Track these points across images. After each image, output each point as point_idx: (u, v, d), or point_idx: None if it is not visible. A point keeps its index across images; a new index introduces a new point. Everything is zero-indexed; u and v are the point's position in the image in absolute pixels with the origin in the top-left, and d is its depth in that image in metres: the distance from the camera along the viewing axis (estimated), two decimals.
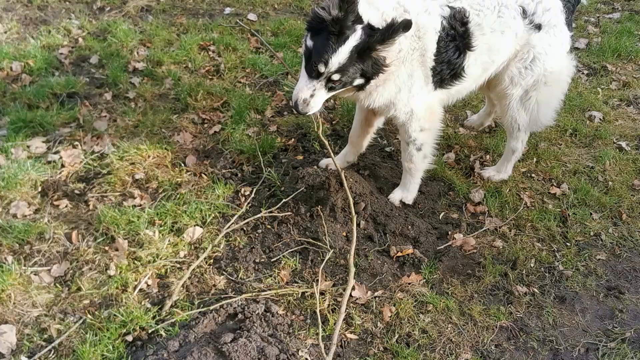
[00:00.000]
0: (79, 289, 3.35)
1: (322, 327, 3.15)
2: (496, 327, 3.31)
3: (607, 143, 4.72)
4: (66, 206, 3.89)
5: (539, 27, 3.64)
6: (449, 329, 3.27)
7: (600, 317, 3.44)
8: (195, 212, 3.82)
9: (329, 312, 3.29)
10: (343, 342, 3.17)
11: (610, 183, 4.32)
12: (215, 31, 5.93)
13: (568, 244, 3.85)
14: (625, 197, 4.21)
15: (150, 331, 3.13)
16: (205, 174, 4.19)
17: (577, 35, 6.30)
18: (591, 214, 4.08)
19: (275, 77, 5.35)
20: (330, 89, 3.25)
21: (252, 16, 6.33)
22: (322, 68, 3.12)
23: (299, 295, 3.40)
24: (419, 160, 3.83)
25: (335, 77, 3.17)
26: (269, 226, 3.81)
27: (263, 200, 3.96)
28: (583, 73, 5.64)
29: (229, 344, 3.02)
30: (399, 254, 3.65)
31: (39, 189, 3.97)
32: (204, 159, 4.37)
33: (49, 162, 4.18)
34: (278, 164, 4.30)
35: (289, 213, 3.82)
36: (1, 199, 3.84)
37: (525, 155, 4.50)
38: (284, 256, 3.59)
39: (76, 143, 4.38)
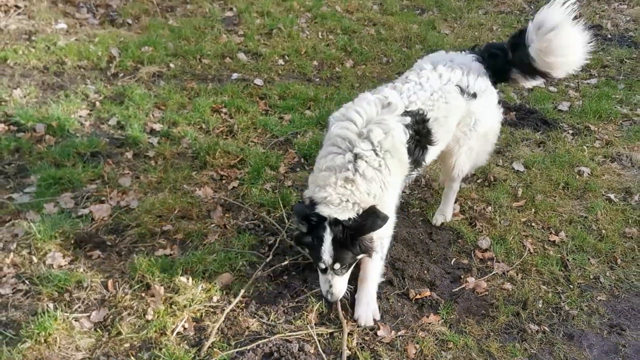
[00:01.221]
0: (119, 333, 3.59)
1: None
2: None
3: (597, 195, 5.21)
4: (99, 257, 4.17)
5: (474, 95, 4.06)
6: None
7: (605, 352, 3.78)
8: (224, 260, 4.12)
9: (358, 350, 3.57)
10: None
11: (603, 231, 4.77)
12: (226, 94, 6.40)
13: (571, 286, 4.24)
14: (618, 244, 4.65)
15: None
16: (228, 226, 4.52)
17: (560, 99, 6.95)
18: (589, 259, 4.50)
19: (286, 136, 5.78)
20: (342, 273, 3.58)
21: (258, 81, 6.84)
22: (322, 265, 3.51)
23: (328, 335, 3.68)
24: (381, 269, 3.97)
25: (336, 266, 3.48)
26: (294, 272, 4.13)
27: (287, 249, 4.29)
28: (569, 133, 6.22)
29: None
30: (418, 296, 3.99)
31: (72, 241, 4.24)
32: (226, 212, 4.71)
33: (80, 216, 4.47)
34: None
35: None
36: (38, 250, 4.10)
37: (524, 206, 4.95)
38: (311, 300, 3.88)
39: (103, 198, 4.69)
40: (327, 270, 3.52)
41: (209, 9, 8.68)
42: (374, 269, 3.85)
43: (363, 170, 3.42)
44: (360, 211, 3.41)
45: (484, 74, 4.17)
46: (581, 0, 9.84)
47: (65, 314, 3.64)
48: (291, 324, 3.75)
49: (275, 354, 3.48)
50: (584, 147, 5.94)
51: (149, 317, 3.70)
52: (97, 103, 6.08)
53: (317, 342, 3.61)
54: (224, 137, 5.72)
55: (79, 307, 3.74)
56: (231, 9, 8.82)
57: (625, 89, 7.25)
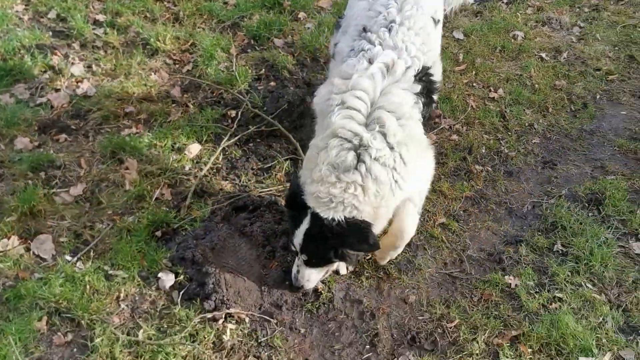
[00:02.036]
0: (100, 202, 3.85)
1: None
2: (462, 198, 4.13)
3: (530, 55, 5.68)
4: (65, 140, 4.32)
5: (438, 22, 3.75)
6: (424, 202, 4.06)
7: (540, 183, 4.35)
8: (190, 133, 4.36)
9: None
10: None
11: (536, 85, 5.27)
12: None
13: (509, 133, 4.75)
14: (549, 95, 5.18)
15: (175, 227, 3.70)
16: (190, 104, 4.72)
17: None
18: (524, 109, 5.01)
19: (233, 20, 5.87)
20: (314, 267, 3.25)
21: None
22: (292, 248, 3.27)
23: None
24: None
25: (304, 258, 3.18)
26: (259, 140, 4.43)
27: (249, 120, 4.56)
28: (503, 2, 6.59)
29: (248, 227, 3.66)
30: None
31: (36, 128, 4.35)
32: (184, 92, 4.88)
33: (39, 105, 4.55)
34: (255, 91, 4.89)
35: (276, 127, 4.44)
36: (3, 137, 4.21)
37: (466, 70, 5.36)
38: (277, 161, 4.22)
39: (58, 87, 4.75)
40: (298, 255, 3.24)
41: None
42: (409, 224, 3.35)
43: (376, 174, 2.91)
44: (355, 215, 2.95)
45: None
46: None
47: (44, 189, 3.84)
48: (262, 183, 4.10)
49: (251, 207, 3.85)
50: (518, 14, 6.34)
51: (127, 187, 3.95)
52: None
53: None
54: (172, 24, 5.74)
55: (57, 183, 3.94)
56: None
57: None
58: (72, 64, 5.04)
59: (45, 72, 4.92)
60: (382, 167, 2.92)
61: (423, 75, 3.22)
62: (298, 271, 3.26)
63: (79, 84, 4.86)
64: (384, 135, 2.93)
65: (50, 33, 5.41)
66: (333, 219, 2.92)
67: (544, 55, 5.70)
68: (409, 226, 3.33)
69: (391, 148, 2.94)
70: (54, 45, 5.27)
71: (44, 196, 3.79)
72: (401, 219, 3.30)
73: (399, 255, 3.63)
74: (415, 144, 3.08)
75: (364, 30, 3.36)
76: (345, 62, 3.28)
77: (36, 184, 3.83)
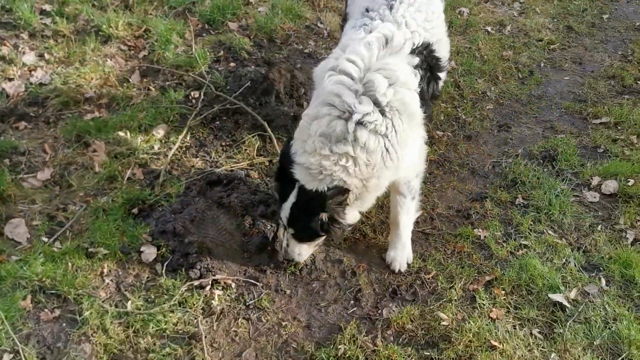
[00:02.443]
0: (70, 185, 3.82)
1: None
2: (427, 161, 4.33)
3: (477, 29, 5.99)
4: (25, 127, 4.26)
5: None
6: None
7: (497, 144, 4.62)
8: (155, 115, 4.38)
9: None
10: None
11: (485, 57, 5.57)
12: None
13: (465, 100, 5.01)
14: (498, 65, 5.48)
15: (150, 203, 3.72)
16: (151, 87, 4.73)
17: None
18: (476, 79, 5.28)
19: (184, 6, 5.89)
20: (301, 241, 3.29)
21: None
22: (279, 221, 3.29)
23: (269, 164, 4.15)
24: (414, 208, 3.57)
25: (291, 232, 3.21)
26: (225, 118, 4.49)
27: (213, 100, 4.61)
28: None
29: (225, 199, 3.73)
30: None
31: None
32: (143, 77, 4.88)
33: None
34: (216, 71, 4.94)
35: (240, 104, 4.51)
36: None
37: None
38: (247, 138, 4.29)
39: (11, 77, 4.66)
40: (286, 228, 3.24)
41: None
42: (405, 212, 3.44)
43: (365, 142, 2.84)
44: (343, 184, 2.94)
45: None
46: None
47: (11, 175, 3.78)
48: (232, 159, 4.17)
49: (225, 181, 3.92)
50: None
51: (97, 169, 3.94)
52: None
53: (260, 169, 4.08)
54: (122, 11, 5.70)
55: (22, 169, 3.89)
56: None
57: None
58: (23, 53, 4.95)
59: None
60: (371, 134, 2.84)
61: (423, 50, 3.20)
62: (288, 245, 3.30)
63: (32, 72, 4.78)
64: (374, 99, 2.86)
65: None
66: (317, 190, 2.93)
67: (489, 29, 6.02)
68: (405, 222, 3.48)
69: (382, 112, 2.86)
70: (2, 36, 5.15)
71: (12, 181, 3.73)
72: (396, 212, 3.44)
73: (372, 216, 3.80)
74: (408, 113, 2.98)
75: (367, 10, 3.37)
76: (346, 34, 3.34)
77: (2, 170, 3.76)
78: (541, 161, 4.40)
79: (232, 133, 4.37)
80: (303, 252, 3.33)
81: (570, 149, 4.45)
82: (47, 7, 5.58)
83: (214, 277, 3.29)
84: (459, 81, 5.21)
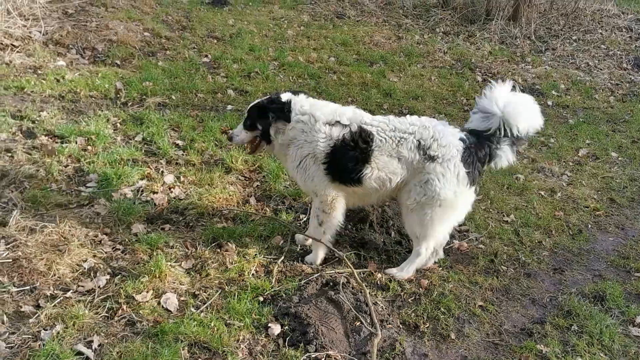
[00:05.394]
0: (208, 274, 4.93)
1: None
2: (493, 289, 5.34)
3: (532, 193, 7.26)
4: (169, 228, 5.50)
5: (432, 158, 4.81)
6: (464, 290, 5.24)
7: (553, 283, 5.60)
8: (273, 229, 5.59)
9: (388, 282, 5.14)
10: (399, 297, 5.01)
11: (540, 214, 6.76)
12: (226, 120, 7.93)
13: (524, 246, 6.10)
14: (551, 222, 6.64)
15: (272, 294, 4.78)
16: (266, 208, 6.01)
17: None
18: (533, 231, 6.42)
19: None
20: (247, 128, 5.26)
21: None
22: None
23: (365, 274, 5.23)
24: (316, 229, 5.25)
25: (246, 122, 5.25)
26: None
27: None
28: None
29: (334, 296, 4.77)
30: None
31: (144, 219, 5.54)
32: (258, 201, 6.20)
33: (145, 201, 5.78)
34: None
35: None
36: (122, 222, 5.37)
37: (482, 199, 6.84)
38: (346, 253, 5.43)
39: (156, 191, 6.02)
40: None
41: (188, 55, 10.27)
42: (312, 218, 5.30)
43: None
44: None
45: (456, 149, 4.82)
46: (497, 61, 12.49)
47: (164, 262, 4.93)
48: (334, 269, 5.26)
49: (331, 283, 4.97)
50: (516, 163, 8.04)
51: (229, 265, 5.07)
52: (118, 125, 7.39)
53: (357, 276, 5.13)
54: (242, 150, 7.20)
55: (172, 258, 5.04)
56: (206, 56, 10.46)
57: None
58: (163, 174, 6.37)
59: (142, 179, 6.21)
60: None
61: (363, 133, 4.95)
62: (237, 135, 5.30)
63: (172, 189, 6.14)
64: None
65: (143, 152, 6.79)
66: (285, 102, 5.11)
67: (542, 193, 7.28)
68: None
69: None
70: (146, 160, 6.63)
71: (167, 266, 4.87)
72: None
73: (450, 324, 4.75)
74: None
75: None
76: None
77: (161, 257, 4.92)
78: (592, 299, 5.34)
79: (332, 251, 5.50)
80: (240, 137, 5.39)
81: (616, 292, 5.40)
82: (180, 142, 7.14)
83: (327, 352, 4.22)
84: (518, 230, 6.35)
